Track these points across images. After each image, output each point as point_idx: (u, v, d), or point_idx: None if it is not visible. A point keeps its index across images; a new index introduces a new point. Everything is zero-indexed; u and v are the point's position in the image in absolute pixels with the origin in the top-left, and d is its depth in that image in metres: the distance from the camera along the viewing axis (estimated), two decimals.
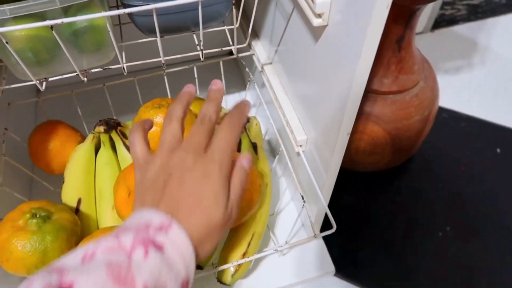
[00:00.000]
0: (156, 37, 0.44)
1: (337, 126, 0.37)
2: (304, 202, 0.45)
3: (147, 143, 0.32)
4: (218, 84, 0.34)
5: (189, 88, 0.35)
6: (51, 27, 0.34)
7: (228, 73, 0.56)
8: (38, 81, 0.40)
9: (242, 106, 0.33)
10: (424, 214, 0.63)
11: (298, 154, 0.47)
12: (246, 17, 0.55)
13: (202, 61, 0.45)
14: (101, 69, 0.42)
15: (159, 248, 0.24)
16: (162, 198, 0.28)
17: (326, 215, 0.47)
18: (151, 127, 0.35)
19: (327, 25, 0.35)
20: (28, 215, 0.38)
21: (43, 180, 0.50)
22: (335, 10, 0.33)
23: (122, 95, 0.55)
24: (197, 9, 0.41)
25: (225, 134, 0.30)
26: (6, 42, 0.34)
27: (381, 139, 0.60)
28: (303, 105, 0.46)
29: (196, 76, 0.55)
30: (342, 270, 0.54)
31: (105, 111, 0.55)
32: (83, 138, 0.51)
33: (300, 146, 0.46)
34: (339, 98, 0.36)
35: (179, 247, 0.25)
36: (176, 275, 0.23)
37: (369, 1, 0.28)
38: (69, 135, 0.50)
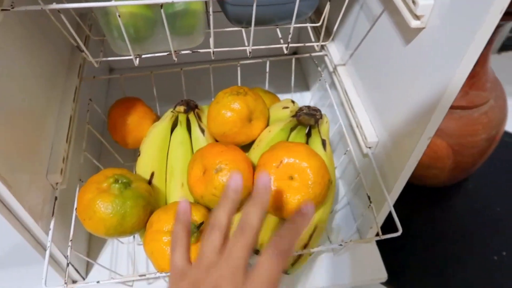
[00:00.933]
0: (242, 27, 0.46)
1: (420, 130, 0.37)
2: (370, 202, 0.45)
3: (189, 249, 0.30)
4: (265, 181, 0.28)
5: (235, 184, 0.29)
6: (161, 5, 0.36)
7: (291, 72, 0.57)
8: (134, 56, 0.42)
9: (300, 223, 0.28)
10: (479, 236, 0.62)
11: (366, 155, 0.47)
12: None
13: (286, 53, 0.46)
14: (190, 52, 0.44)
15: None
16: None
17: (386, 220, 0.47)
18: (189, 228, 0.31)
19: (424, 28, 0.35)
20: (111, 180, 0.40)
21: (115, 152, 0.53)
22: (437, 13, 0.33)
23: (193, 81, 0.58)
24: (286, 4, 0.43)
25: (271, 266, 0.26)
26: (119, 16, 0.36)
27: (443, 153, 0.59)
28: (377, 107, 0.46)
29: (267, 70, 0.57)
30: (390, 280, 0.53)
31: (175, 94, 0.57)
32: (157, 117, 0.53)
33: (369, 148, 0.46)
34: (426, 102, 0.36)
35: None
36: None
37: (481, 6, 0.28)
38: (146, 112, 0.52)
